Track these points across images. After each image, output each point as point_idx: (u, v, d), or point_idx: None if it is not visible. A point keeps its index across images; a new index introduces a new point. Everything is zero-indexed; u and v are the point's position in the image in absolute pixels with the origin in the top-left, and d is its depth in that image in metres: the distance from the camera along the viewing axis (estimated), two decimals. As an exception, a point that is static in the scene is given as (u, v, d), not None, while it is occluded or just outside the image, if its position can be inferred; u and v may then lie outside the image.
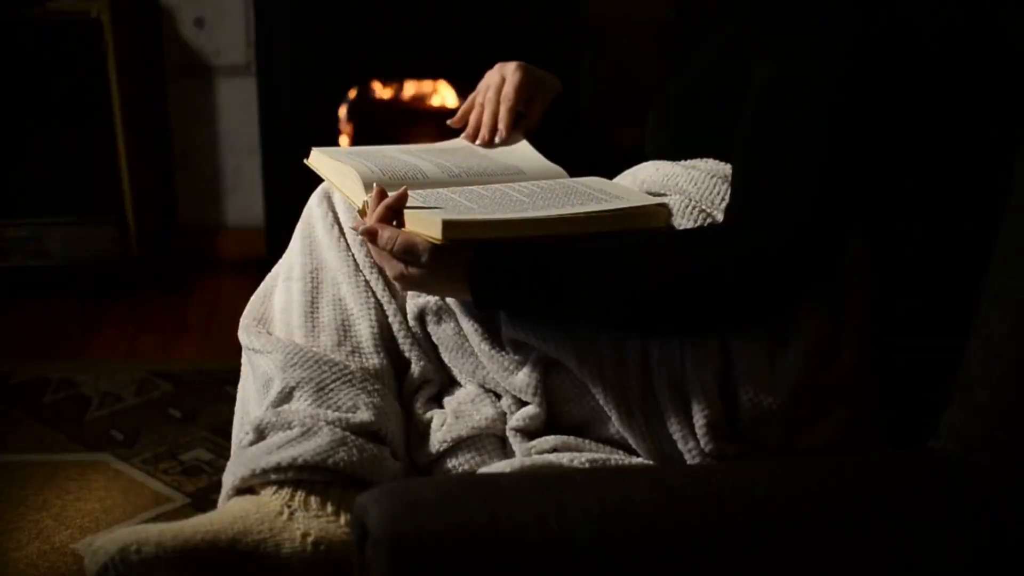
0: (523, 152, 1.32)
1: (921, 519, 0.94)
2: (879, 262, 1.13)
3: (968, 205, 1.12)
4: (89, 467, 1.97)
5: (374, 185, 1.14)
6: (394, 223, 1.10)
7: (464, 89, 2.79)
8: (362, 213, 1.14)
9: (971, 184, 1.12)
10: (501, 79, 1.32)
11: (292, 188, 1.51)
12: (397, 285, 1.17)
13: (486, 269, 1.07)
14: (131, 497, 1.88)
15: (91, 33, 2.53)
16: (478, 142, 1.33)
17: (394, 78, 2.80)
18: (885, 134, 1.07)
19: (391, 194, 1.10)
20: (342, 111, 2.73)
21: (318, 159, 1.27)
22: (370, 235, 1.09)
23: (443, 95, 2.83)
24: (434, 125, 2.87)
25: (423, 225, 1.06)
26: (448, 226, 1.03)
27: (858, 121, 1.04)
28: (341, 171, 1.20)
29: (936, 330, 1.11)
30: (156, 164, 2.89)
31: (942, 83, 1.12)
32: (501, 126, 1.31)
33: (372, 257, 1.20)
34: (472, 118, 1.35)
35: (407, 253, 1.07)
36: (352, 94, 2.72)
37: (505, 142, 1.33)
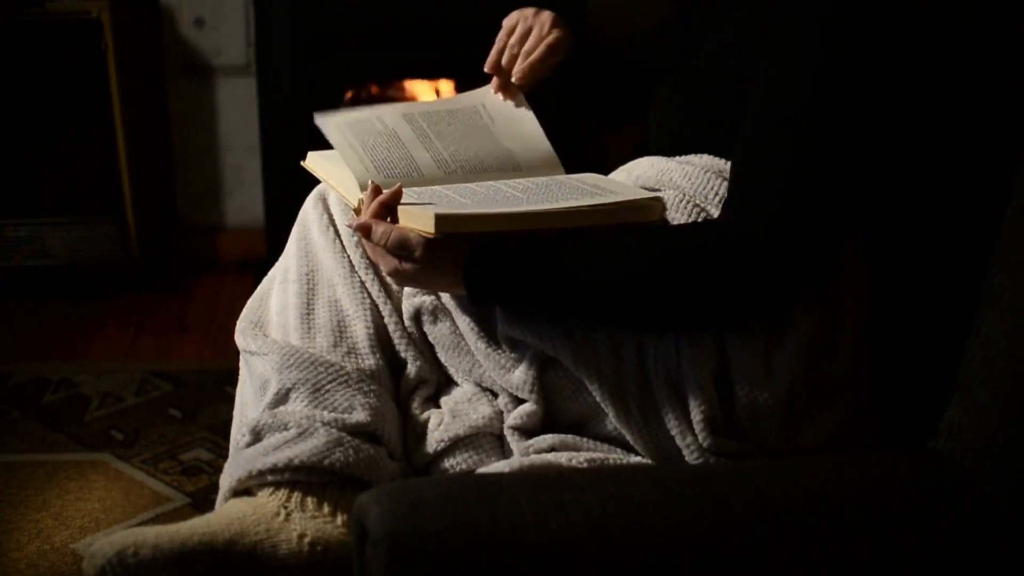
0: (525, 126, 1.31)
1: (921, 519, 0.94)
2: (876, 260, 1.13)
3: (967, 203, 1.12)
4: (89, 467, 1.96)
5: (369, 183, 1.14)
6: (388, 219, 1.10)
7: (463, 89, 2.78)
8: (357, 212, 1.14)
9: (970, 182, 1.12)
10: (537, 29, 1.33)
11: (292, 188, 1.51)
12: (391, 281, 1.17)
13: (480, 263, 1.07)
14: (131, 497, 1.88)
15: (91, 33, 2.53)
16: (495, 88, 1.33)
17: (394, 78, 2.80)
18: (884, 133, 1.07)
19: (385, 191, 1.10)
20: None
21: (314, 160, 1.27)
22: (364, 230, 1.09)
23: (442, 95, 2.83)
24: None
25: (416, 219, 1.06)
26: (441, 220, 1.03)
27: (857, 121, 1.04)
28: (337, 171, 1.20)
29: (935, 329, 1.11)
30: (156, 164, 2.88)
31: (941, 84, 1.12)
32: (529, 74, 1.31)
33: (367, 257, 1.20)
34: (505, 60, 1.34)
35: (401, 248, 1.07)
36: (351, 95, 2.72)
37: (512, 100, 1.34)
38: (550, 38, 1.32)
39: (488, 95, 1.35)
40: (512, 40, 1.34)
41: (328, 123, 1.24)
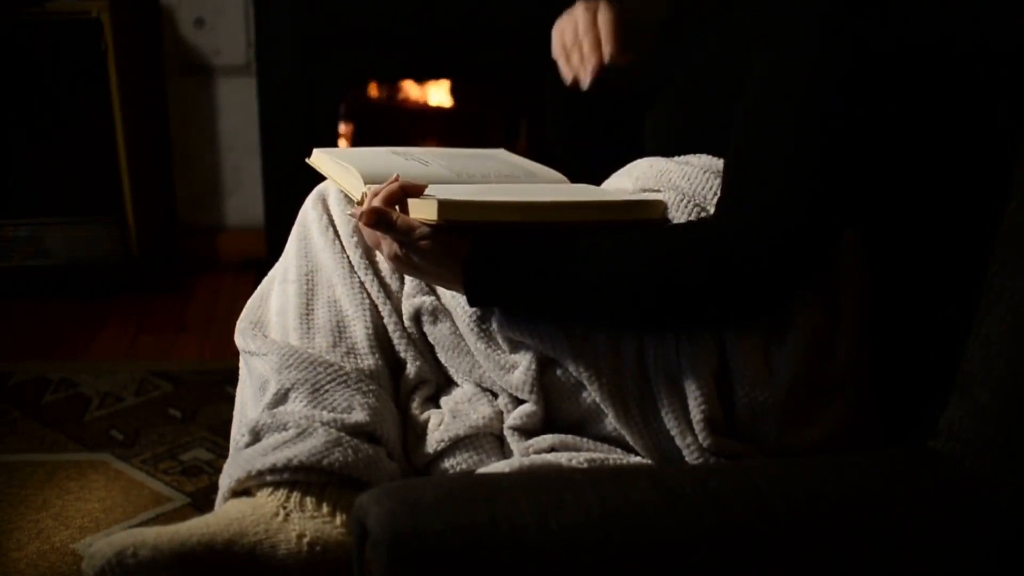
0: (534, 164, 1.32)
1: (921, 519, 0.94)
2: (876, 260, 1.13)
3: (967, 203, 1.12)
4: (89, 467, 1.97)
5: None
6: (397, 207, 1.09)
7: (463, 89, 2.79)
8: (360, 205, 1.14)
9: (970, 182, 1.12)
10: (592, 15, 1.28)
11: (292, 188, 1.51)
12: (390, 268, 1.17)
13: (478, 266, 1.07)
14: (131, 497, 1.88)
15: (91, 33, 2.53)
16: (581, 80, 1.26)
17: (394, 78, 2.80)
18: (882, 131, 1.07)
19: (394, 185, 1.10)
20: (342, 111, 2.73)
21: (319, 156, 1.27)
22: (375, 215, 1.08)
23: (443, 95, 2.83)
24: (434, 125, 2.87)
25: (421, 208, 1.06)
26: (444, 206, 1.03)
27: (855, 117, 1.04)
28: (342, 167, 1.20)
29: (934, 329, 1.11)
30: (156, 164, 2.89)
31: (940, 82, 1.12)
32: (606, 51, 1.23)
33: (367, 257, 1.20)
34: (574, 60, 1.27)
35: (406, 233, 1.07)
36: (351, 96, 2.72)
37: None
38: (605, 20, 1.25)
39: (499, 152, 1.35)
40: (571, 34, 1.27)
41: (329, 151, 1.24)
